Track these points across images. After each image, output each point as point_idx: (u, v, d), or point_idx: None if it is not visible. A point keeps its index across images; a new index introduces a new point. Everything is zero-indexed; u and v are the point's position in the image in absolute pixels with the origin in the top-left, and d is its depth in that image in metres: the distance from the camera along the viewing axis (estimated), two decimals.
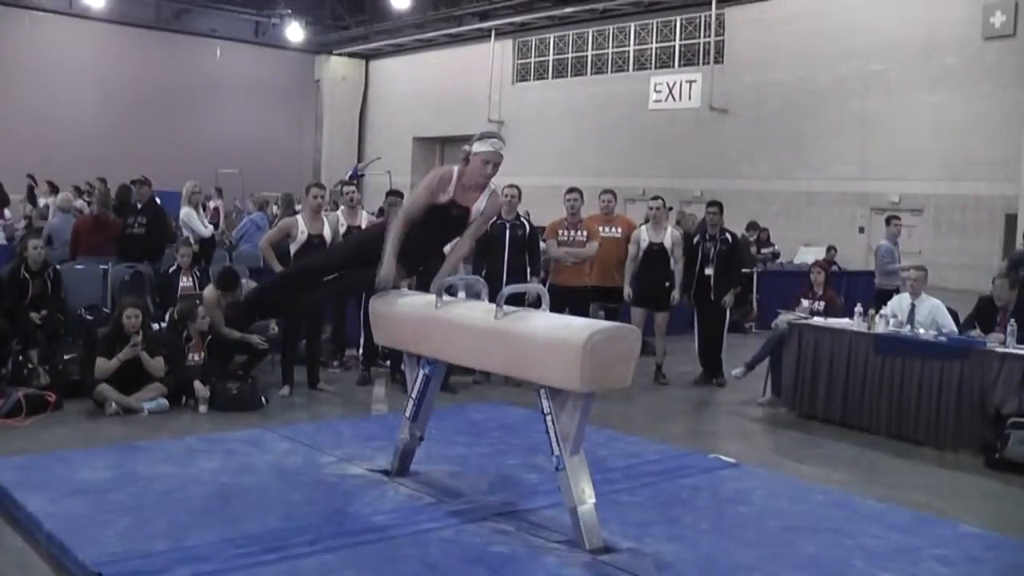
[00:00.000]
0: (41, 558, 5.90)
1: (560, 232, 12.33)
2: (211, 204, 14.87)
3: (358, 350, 12.27)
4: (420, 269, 7.75)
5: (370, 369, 12.01)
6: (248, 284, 11.38)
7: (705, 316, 12.90)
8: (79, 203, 18.53)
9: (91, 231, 13.18)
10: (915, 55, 27.94)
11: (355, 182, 13.85)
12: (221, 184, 32.44)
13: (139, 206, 13.68)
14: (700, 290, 12.76)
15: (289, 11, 42.54)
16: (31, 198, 24.84)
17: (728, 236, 12.91)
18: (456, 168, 7.05)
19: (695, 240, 13.06)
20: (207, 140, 41.54)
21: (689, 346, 13.32)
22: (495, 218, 11.95)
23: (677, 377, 12.83)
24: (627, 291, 12.62)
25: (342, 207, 12.72)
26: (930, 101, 27.61)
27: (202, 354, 10.58)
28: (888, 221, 16.58)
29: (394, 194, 12.36)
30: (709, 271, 12.67)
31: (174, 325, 10.56)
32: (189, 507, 6.54)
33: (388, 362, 12.12)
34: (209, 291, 11.09)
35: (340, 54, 47.47)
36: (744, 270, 15.06)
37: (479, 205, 7.08)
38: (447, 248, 7.61)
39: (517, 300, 6.46)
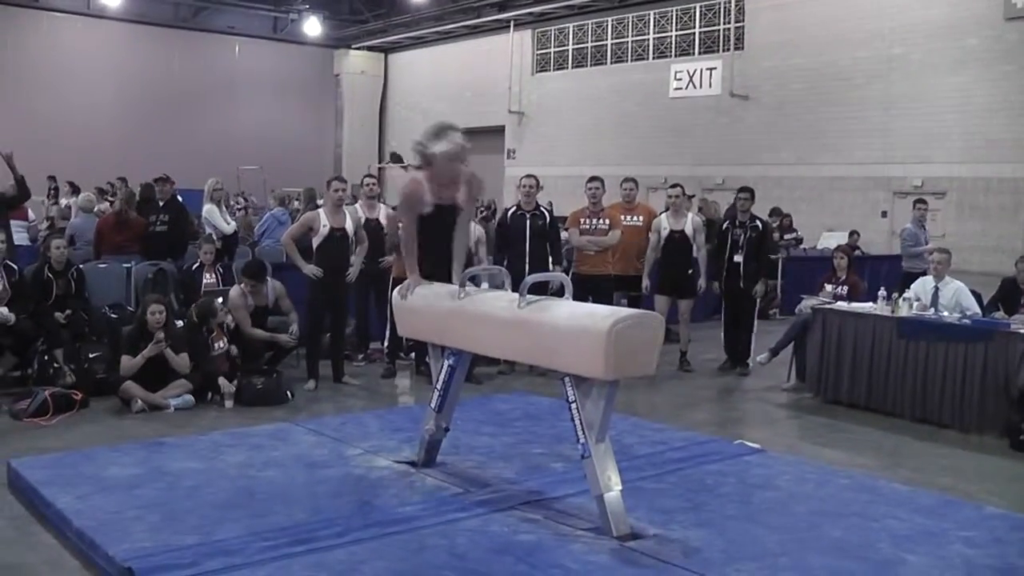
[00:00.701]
0: (71, 554, 5.95)
1: (582, 221, 12.32)
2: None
3: (382, 343, 12.30)
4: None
5: (395, 362, 12.04)
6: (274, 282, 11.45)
7: (733, 304, 12.86)
8: (104, 205, 18.57)
9: (114, 230, 13.22)
10: (937, 37, 27.77)
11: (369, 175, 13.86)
12: (243, 180, 32.62)
13: (161, 204, 13.72)
14: (729, 277, 12.72)
15: (307, 6, 42.64)
16: (54, 197, 24.94)
17: (758, 223, 12.85)
18: (422, 175, 7.12)
19: (724, 226, 13.03)
20: (228, 137, 41.67)
21: (713, 333, 13.33)
22: (515, 209, 12.00)
23: (702, 364, 12.83)
24: (645, 282, 12.62)
25: (360, 200, 12.74)
26: (952, 83, 27.44)
27: (224, 341, 10.60)
28: (915, 205, 16.62)
29: None
30: (738, 258, 12.59)
31: (193, 324, 10.56)
32: (217, 501, 6.58)
33: (412, 355, 12.14)
34: (235, 292, 11.14)
35: (359, 48, 47.50)
36: (770, 256, 15.03)
37: (461, 196, 7.12)
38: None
39: (540, 289, 6.46)
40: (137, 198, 14.71)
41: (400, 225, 7.30)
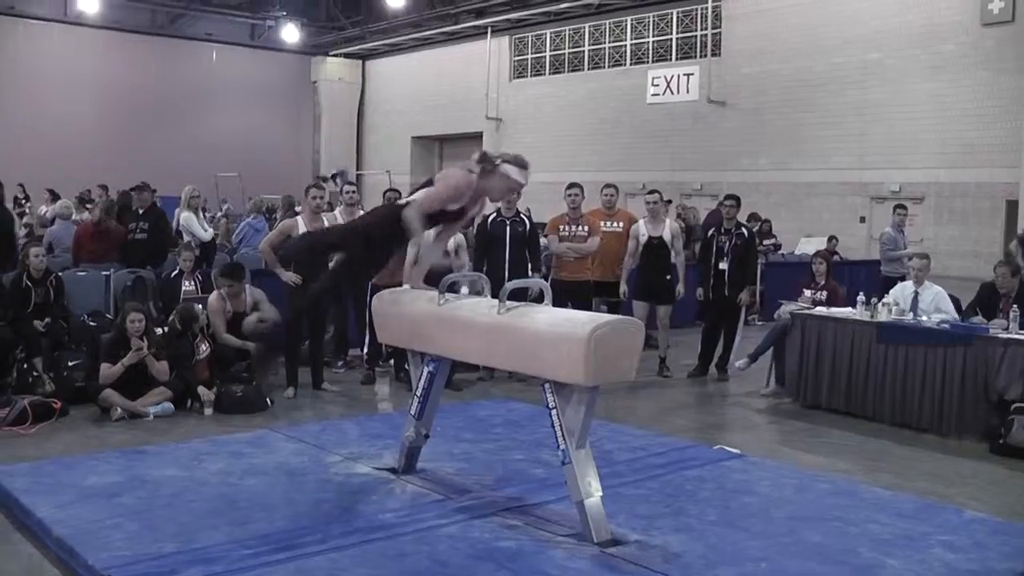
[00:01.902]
0: (51, 563, 5.92)
1: (561, 227, 12.33)
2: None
3: (361, 350, 12.29)
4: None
5: (374, 368, 12.03)
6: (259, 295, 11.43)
7: (717, 311, 12.81)
8: (85, 215, 18.53)
9: (93, 239, 13.17)
10: (913, 43, 27.88)
11: (349, 182, 14.02)
12: (221, 187, 32.54)
13: (141, 212, 13.67)
14: (714, 284, 12.66)
15: (284, 13, 42.57)
16: (23, 206, 24.92)
17: (744, 231, 12.82)
18: (475, 176, 6.85)
19: (709, 233, 13.02)
20: (206, 144, 41.56)
21: (692, 339, 13.34)
22: (495, 215, 12.00)
23: (681, 370, 12.81)
24: (623, 288, 12.61)
25: (340, 206, 12.73)
26: (929, 88, 27.56)
27: (207, 344, 10.58)
28: (894, 210, 16.73)
29: (393, 191, 12.42)
30: (723, 266, 12.53)
31: (177, 330, 10.53)
32: (197, 509, 6.56)
33: (392, 361, 12.14)
34: (214, 297, 11.10)
35: (336, 55, 47.46)
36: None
37: (475, 212, 7.06)
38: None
39: (520, 296, 6.46)
40: (116, 206, 14.67)
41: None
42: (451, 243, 11.14)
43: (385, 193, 12.54)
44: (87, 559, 5.59)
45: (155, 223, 13.58)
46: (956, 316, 10.74)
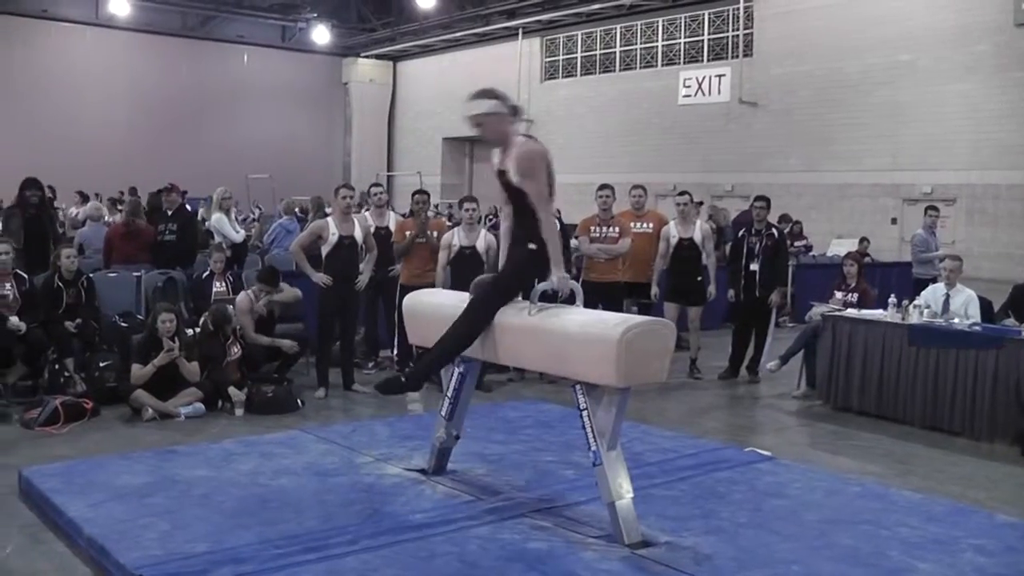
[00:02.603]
0: (83, 562, 5.96)
1: (592, 229, 12.32)
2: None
3: (392, 351, 12.30)
4: None
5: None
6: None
7: (747, 312, 12.81)
8: (117, 216, 18.62)
9: (123, 239, 13.23)
10: (946, 43, 27.71)
11: (376, 184, 14.09)
12: (252, 189, 32.58)
13: (170, 213, 13.69)
14: (745, 286, 12.66)
15: (315, 15, 42.72)
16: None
17: (774, 231, 12.78)
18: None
19: (740, 234, 12.99)
20: (237, 146, 41.74)
21: (723, 341, 13.30)
22: None
23: (711, 372, 12.78)
24: (654, 290, 12.58)
25: (370, 208, 12.75)
26: (961, 89, 27.37)
27: (239, 347, 10.62)
28: (926, 211, 16.71)
29: (421, 193, 12.42)
30: (754, 267, 12.52)
31: (210, 331, 10.57)
32: (227, 509, 6.58)
33: None
34: (242, 297, 11.14)
35: (367, 56, 47.57)
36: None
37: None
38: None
39: (550, 297, 6.44)
40: (146, 208, 14.71)
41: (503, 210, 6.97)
42: (481, 244, 11.20)
43: (414, 195, 12.54)
44: (118, 558, 5.62)
45: (184, 224, 13.61)
46: (978, 320, 10.65)
